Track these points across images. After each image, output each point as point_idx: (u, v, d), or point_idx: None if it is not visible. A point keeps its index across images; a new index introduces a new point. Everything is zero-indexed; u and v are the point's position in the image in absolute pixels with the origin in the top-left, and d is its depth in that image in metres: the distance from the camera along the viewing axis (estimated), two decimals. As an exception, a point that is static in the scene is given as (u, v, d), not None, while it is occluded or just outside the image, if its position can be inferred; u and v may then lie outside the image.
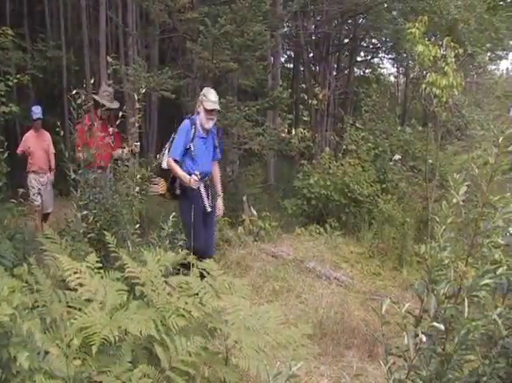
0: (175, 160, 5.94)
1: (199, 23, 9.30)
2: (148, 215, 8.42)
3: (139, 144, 7.04)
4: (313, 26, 19.00)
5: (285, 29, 18.61)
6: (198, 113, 6.15)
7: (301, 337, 3.43)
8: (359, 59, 24.20)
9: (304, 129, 12.27)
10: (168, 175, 6.11)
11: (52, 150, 9.18)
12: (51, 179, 9.22)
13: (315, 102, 13.93)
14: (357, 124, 12.35)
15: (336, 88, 18.61)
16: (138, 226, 5.19)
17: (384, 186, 10.65)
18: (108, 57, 8.88)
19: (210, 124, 6.11)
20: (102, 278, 3.49)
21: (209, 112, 6.04)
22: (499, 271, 2.29)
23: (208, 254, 5.74)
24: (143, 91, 5.97)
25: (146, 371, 2.83)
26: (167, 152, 6.20)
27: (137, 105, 5.92)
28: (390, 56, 24.61)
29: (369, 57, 24.99)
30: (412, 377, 2.35)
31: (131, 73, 8.91)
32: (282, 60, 22.82)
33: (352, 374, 4.24)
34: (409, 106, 22.33)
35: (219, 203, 6.42)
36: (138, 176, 5.56)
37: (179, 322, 3.03)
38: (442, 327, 2.22)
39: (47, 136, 9.21)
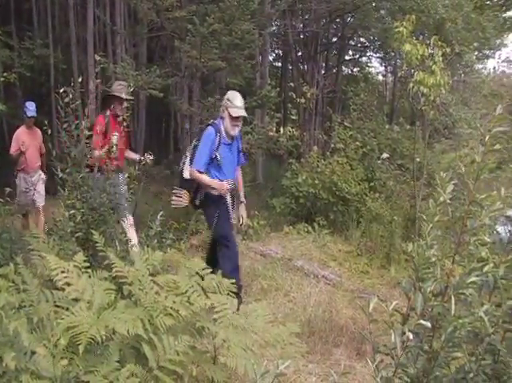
0: (200, 171, 5.60)
1: (187, 22, 9.30)
2: (136, 214, 8.39)
3: (151, 156, 6.87)
4: (302, 25, 19.06)
5: (274, 27, 18.70)
6: (222, 118, 5.70)
7: (289, 335, 3.44)
8: (347, 58, 24.33)
9: (292, 128, 12.32)
10: (191, 186, 5.78)
11: (43, 149, 9.02)
12: (43, 178, 9.05)
13: (303, 101, 13.98)
14: (345, 123, 12.38)
15: (324, 87, 18.68)
16: (126, 225, 5.17)
17: (371, 184, 10.69)
18: (96, 56, 8.86)
19: (235, 131, 5.70)
20: (90, 277, 3.48)
21: (235, 118, 5.62)
22: (485, 269, 2.30)
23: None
24: (131, 89, 5.95)
25: (133, 370, 2.82)
26: (188, 160, 5.84)
27: (125, 104, 5.90)
28: (378, 55, 24.79)
29: (357, 56, 25.12)
30: (400, 375, 2.35)
31: (119, 72, 8.91)
32: (271, 58, 22.92)
33: (340, 372, 4.25)
34: (397, 105, 22.43)
35: (242, 210, 6.07)
36: (126, 175, 5.54)
37: (167, 321, 3.03)
38: (429, 325, 2.23)
39: (39, 133, 8.99)
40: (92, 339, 2.74)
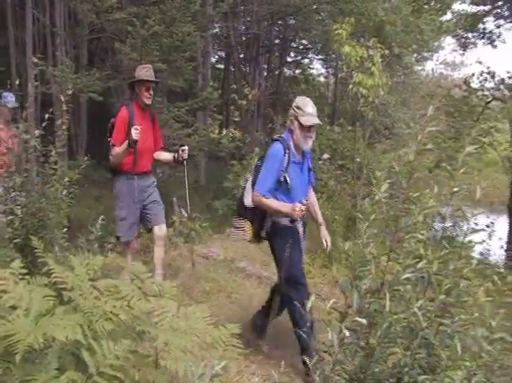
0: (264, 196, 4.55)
1: (128, 24, 9.22)
2: (77, 219, 8.27)
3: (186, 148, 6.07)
4: (243, 27, 19.10)
5: (216, 29, 18.69)
6: (290, 132, 4.69)
7: (231, 336, 3.44)
8: (289, 59, 24.49)
9: (234, 130, 12.32)
10: (254, 215, 4.78)
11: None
12: None
13: (245, 102, 13.98)
14: (287, 124, 12.45)
15: (266, 89, 18.76)
16: (66, 230, 5.09)
17: (313, 185, 10.80)
18: (34, 58, 8.68)
19: (309, 144, 4.68)
20: (28, 283, 3.41)
21: (307, 128, 4.57)
22: (419, 265, 2.36)
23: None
24: (70, 92, 5.85)
25: (73, 377, 2.77)
26: (249, 184, 4.85)
27: (64, 107, 5.80)
28: (320, 56, 25.00)
29: (299, 58, 25.29)
30: (338, 372, 2.39)
31: (58, 74, 8.77)
32: (213, 60, 22.90)
33: (281, 372, 4.28)
34: (338, 106, 22.70)
35: (324, 232, 5.10)
36: (66, 179, 5.44)
37: (107, 326, 2.99)
38: (364, 322, 2.28)
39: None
40: (30, 347, 2.69)
